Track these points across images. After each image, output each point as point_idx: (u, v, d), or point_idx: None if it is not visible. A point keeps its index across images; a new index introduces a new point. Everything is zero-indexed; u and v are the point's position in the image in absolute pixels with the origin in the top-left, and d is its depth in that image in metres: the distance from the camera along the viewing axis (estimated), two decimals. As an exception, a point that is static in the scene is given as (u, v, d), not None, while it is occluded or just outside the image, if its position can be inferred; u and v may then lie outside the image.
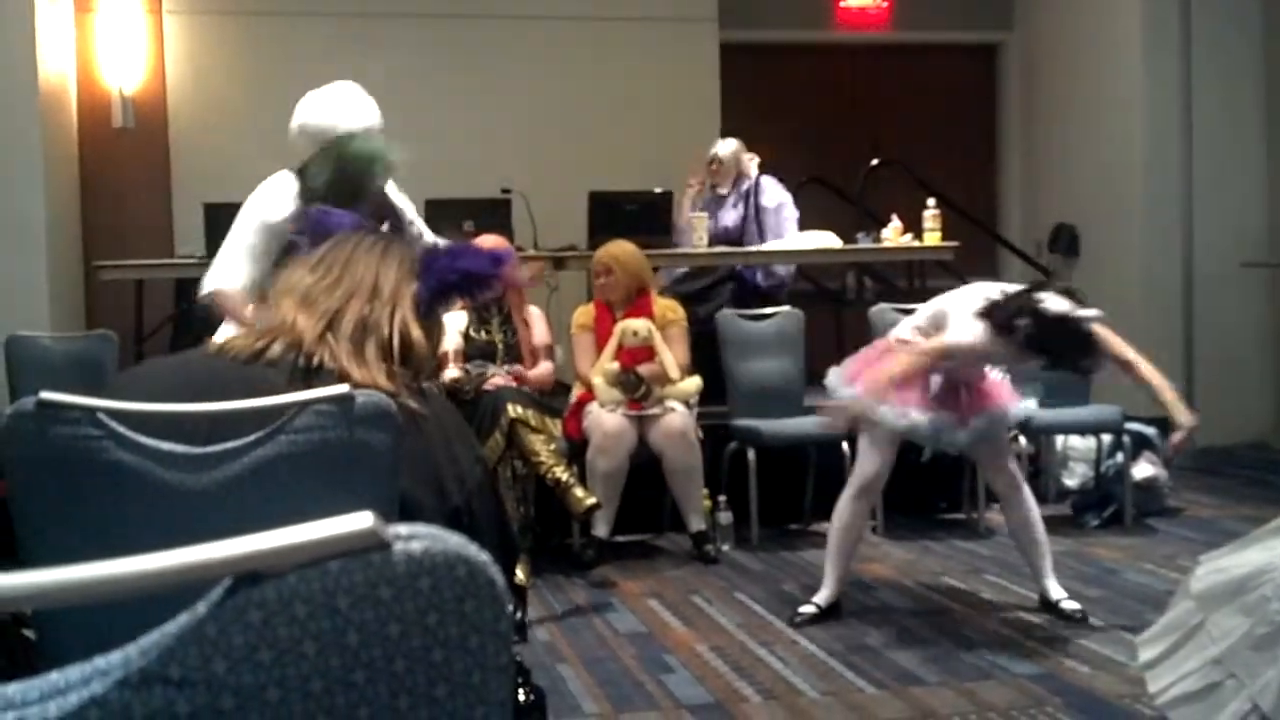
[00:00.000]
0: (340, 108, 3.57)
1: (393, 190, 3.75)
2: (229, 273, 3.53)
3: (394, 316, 2.00)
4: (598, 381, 5.23)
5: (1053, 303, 3.81)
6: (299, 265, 2.08)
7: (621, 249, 5.47)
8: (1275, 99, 7.66)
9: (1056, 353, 3.89)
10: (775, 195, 6.58)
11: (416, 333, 2.01)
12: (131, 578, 0.76)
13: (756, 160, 6.68)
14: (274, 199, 3.57)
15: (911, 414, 4.20)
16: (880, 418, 4.14)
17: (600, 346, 5.37)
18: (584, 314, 5.56)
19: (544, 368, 5.30)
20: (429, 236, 3.79)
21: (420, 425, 1.92)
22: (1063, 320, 3.80)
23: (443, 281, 2.10)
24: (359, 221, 2.26)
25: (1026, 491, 4.34)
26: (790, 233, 6.50)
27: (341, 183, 3.46)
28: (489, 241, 5.28)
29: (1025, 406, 4.39)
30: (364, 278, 2.02)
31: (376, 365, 1.94)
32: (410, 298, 2.04)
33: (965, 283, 6.89)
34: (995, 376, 4.30)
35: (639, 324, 5.31)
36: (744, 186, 6.62)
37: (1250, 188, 7.68)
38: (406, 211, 3.79)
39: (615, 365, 5.24)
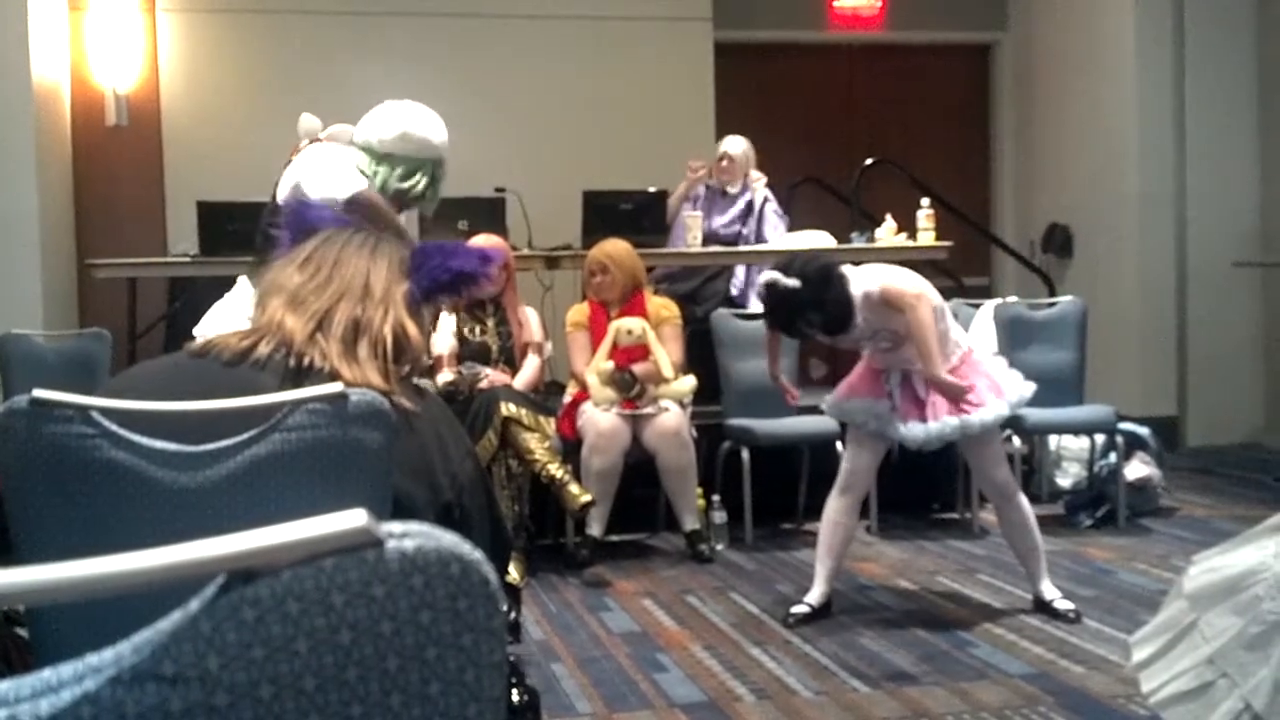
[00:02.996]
0: (441, 131, 3.70)
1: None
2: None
3: (387, 316, 1.99)
4: (592, 380, 5.23)
5: (764, 274, 4.04)
6: (285, 264, 2.06)
7: (616, 248, 5.47)
8: (1268, 99, 7.67)
9: (774, 319, 4.10)
10: (777, 228, 6.57)
11: (413, 330, 2.01)
12: (124, 575, 0.75)
13: (764, 180, 6.65)
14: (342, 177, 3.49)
15: (844, 402, 4.29)
16: (825, 406, 4.37)
17: (595, 345, 5.37)
18: (578, 312, 5.56)
19: (530, 364, 5.30)
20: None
21: (413, 423, 1.92)
22: (768, 287, 3.99)
23: (435, 280, 2.10)
24: (339, 217, 2.25)
25: (1020, 500, 4.29)
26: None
27: (426, 200, 3.65)
28: (483, 241, 5.31)
29: (1007, 408, 4.20)
30: (354, 278, 2.01)
31: (369, 364, 1.93)
32: (402, 297, 2.03)
33: (959, 283, 6.99)
34: (986, 381, 4.21)
35: (633, 323, 5.31)
36: (747, 197, 6.59)
37: (1243, 188, 7.69)
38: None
39: (610, 364, 5.24)
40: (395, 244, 2.13)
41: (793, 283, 3.91)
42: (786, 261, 4.05)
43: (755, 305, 6.51)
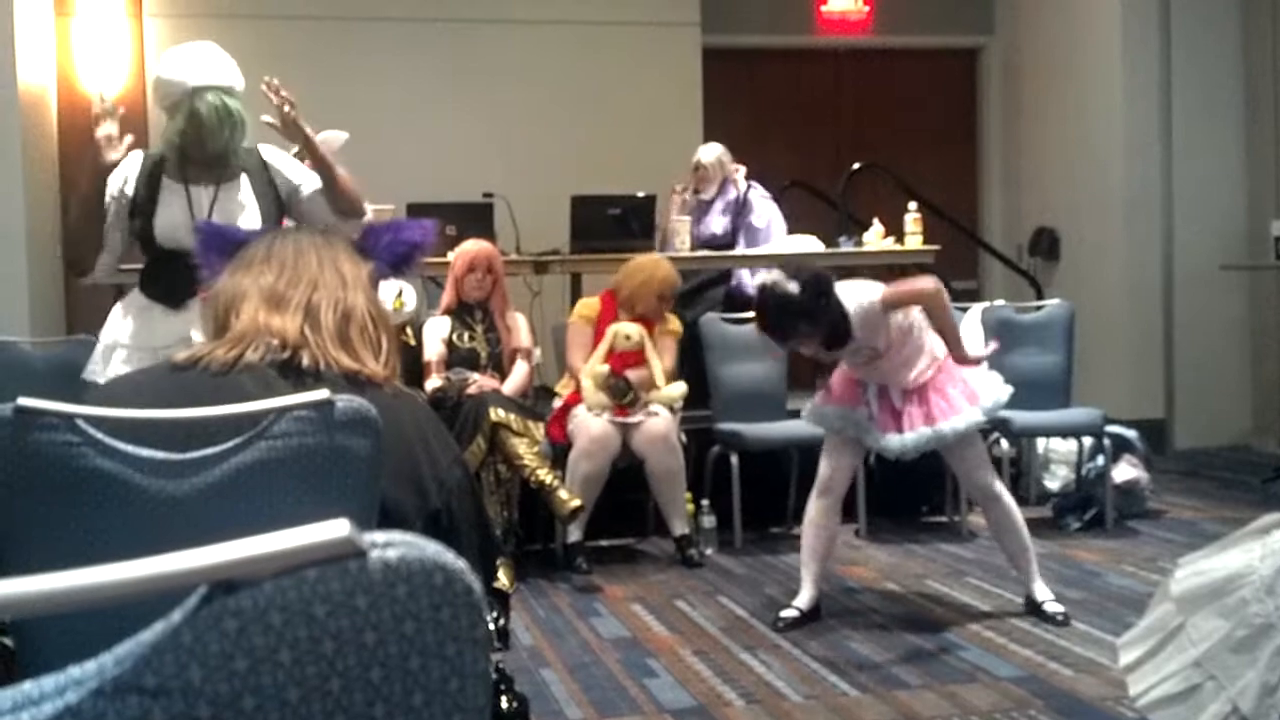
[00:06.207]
0: (192, 64, 3.60)
1: (273, 154, 3.72)
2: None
3: (368, 300, 2.01)
4: (586, 384, 5.22)
5: (761, 276, 4.07)
6: (240, 271, 2.03)
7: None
8: (1254, 103, 7.70)
9: (766, 323, 4.04)
10: (764, 213, 6.58)
11: (387, 311, 2.06)
12: (108, 586, 0.75)
13: (743, 171, 6.68)
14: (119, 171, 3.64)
15: (823, 408, 4.32)
16: (805, 412, 4.43)
17: (596, 343, 5.35)
18: (588, 306, 5.52)
19: (518, 369, 5.29)
20: (311, 184, 3.65)
21: (401, 428, 1.92)
22: (764, 289, 3.99)
23: (395, 255, 2.14)
24: (254, 233, 2.27)
25: (1006, 501, 4.30)
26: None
27: (193, 136, 3.52)
28: (471, 246, 5.33)
29: (982, 414, 4.20)
30: (323, 268, 2.00)
31: (364, 350, 1.94)
32: (369, 278, 2.05)
33: (946, 287, 6.98)
34: (961, 388, 4.21)
35: (631, 328, 5.30)
36: (731, 195, 6.61)
37: (1229, 191, 7.72)
38: (286, 172, 3.69)
39: (605, 368, 5.23)
40: (338, 232, 2.17)
41: (791, 287, 3.89)
42: (785, 266, 4.02)
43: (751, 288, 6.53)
